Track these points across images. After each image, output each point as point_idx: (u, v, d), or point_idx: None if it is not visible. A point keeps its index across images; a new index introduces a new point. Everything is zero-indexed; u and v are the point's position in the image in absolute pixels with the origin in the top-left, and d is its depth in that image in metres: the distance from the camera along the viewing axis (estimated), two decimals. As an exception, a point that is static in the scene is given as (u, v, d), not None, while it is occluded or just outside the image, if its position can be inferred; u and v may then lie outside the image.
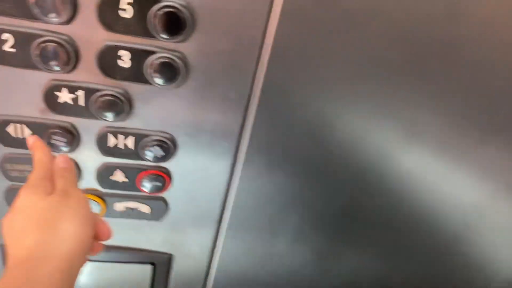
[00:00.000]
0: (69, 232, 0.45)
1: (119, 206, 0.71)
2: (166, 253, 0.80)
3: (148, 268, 0.81)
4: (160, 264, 0.81)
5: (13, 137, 0.60)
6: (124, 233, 0.75)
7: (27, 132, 0.60)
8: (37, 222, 0.45)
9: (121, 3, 0.50)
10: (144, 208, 0.72)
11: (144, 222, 0.73)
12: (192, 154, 0.65)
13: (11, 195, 0.67)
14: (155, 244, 0.78)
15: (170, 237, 0.77)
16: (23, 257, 0.43)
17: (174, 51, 0.55)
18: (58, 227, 0.45)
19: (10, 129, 0.60)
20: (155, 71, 0.56)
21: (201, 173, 0.68)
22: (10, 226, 0.46)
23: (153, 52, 0.55)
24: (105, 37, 0.53)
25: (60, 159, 0.53)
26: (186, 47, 0.55)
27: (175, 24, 0.52)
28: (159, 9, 0.51)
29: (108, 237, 0.52)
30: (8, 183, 0.66)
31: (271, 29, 0.54)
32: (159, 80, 0.56)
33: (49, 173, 0.51)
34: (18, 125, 0.60)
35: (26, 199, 0.47)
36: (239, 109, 0.61)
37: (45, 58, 0.53)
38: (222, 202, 0.72)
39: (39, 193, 0.47)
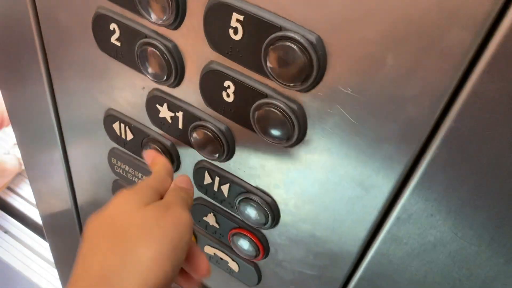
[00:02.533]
0: (146, 258, 0.34)
1: (209, 249, 0.59)
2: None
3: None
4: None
5: (117, 135, 0.54)
6: (217, 278, 0.63)
7: (129, 134, 0.52)
8: (115, 238, 0.36)
9: (232, 19, 0.35)
10: (233, 265, 0.58)
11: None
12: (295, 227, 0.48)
13: (115, 188, 0.62)
14: None
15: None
16: (91, 279, 0.34)
17: (292, 100, 0.38)
18: (135, 251, 0.35)
19: (115, 125, 0.53)
20: (260, 120, 0.39)
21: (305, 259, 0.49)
22: (93, 233, 0.37)
23: (263, 95, 0.39)
24: (211, 57, 0.40)
25: (181, 178, 0.45)
26: (308, 98, 0.37)
27: (295, 66, 0.34)
28: (273, 41, 0.34)
29: (203, 273, 0.41)
30: (114, 176, 0.61)
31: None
32: (264, 131, 0.40)
33: (160, 186, 0.42)
34: (122, 125, 0.52)
35: (118, 205, 0.38)
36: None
37: (145, 63, 0.43)
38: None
39: (136, 201, 0.38)
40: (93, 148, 0.59)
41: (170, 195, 0.42)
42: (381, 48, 0.31)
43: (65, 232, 0.82)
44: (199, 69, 0.41)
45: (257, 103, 0.39)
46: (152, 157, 0.47)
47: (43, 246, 1.79)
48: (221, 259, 0.58)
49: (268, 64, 0.35)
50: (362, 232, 0.42)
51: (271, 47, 0.34)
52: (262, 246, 0.51)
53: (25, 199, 1.89)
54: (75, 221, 0.76)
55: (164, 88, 0.45)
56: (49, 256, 1.73)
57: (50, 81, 0.54)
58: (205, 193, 0.52)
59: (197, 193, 0.53)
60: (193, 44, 0.40)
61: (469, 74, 0.29)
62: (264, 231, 0.51)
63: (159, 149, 0.50)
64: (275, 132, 0.39)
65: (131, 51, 0.43)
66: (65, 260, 0.93)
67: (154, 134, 0.50)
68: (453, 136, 0.32)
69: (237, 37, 0.36)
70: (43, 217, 0.85)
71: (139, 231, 0.36)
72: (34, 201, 1.75)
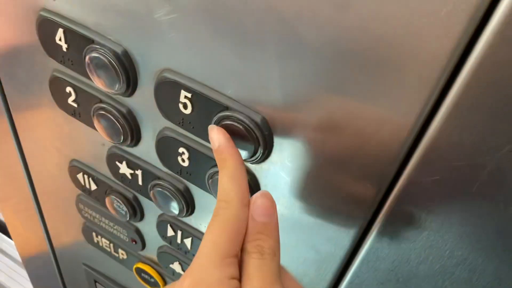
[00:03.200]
0: None
1: (178, 292, 0.59)
2: None
3: None
4: None
5: (82, 184, 0.54)
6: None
7: (93, 185, 0.52)
8: None
9: (181, 96, 0.35)
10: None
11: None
12: None
13: (85, 230, 0.62)
14: None
15: None
16: None
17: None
18: None
19: (79, 176, 0.53)
20: (215, 186, 0.40)
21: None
22: None
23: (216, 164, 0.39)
24: (165, 124, 0.40)
25: (257, 205, 0.30)
26: (259, 169, 0.37)
27: (243, 143, 0.34)
28: (221, 120, 0.34)
29: None
30: (82, 220, 0.61)
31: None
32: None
33: (238, 243, 0.29)
34: (86, 176, 0.52)
35: None
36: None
37: (102, 125, 0.43)
38: None
39: None
40: (62, 193, 0.59)
41: (252, 266, 0.28)
42: (321, 134, 0.31)
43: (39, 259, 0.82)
44: (154, 133, 0.41)
45: (211, 170, 0.39)
46: (219, 143, 0.32)
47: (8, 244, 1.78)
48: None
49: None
50: (320, 290, 0.43)
51: (219, 124, 0.34)
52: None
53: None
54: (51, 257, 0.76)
55: (123, 146, 0.45)
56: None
57: (15, 131, 0.54)
58: (170, 244, 0.52)
59: (162, 242, 0.53)
60: (147, 111, 0.40)
61: (405, 167, 0.29)
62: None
63: (127, 197, 0.50)
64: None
65: (88, 112, 0.43)
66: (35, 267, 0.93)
67: (117, 186, 0.50)
68: (396, 214, 0.33)
69: (187, 111, 0.36)
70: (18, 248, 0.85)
71: None
72: None
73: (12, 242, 1.75)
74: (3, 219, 1.59)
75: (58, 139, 0.51)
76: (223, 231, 0.29)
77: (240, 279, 0.28)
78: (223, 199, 0.30)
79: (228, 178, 0.30)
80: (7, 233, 1.82)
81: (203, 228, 0.47)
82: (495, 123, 0.25)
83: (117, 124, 0.41)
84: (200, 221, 0.47)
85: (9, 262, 1.80)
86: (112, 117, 0.41)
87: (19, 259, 1.78)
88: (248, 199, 0.30)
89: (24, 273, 1.74)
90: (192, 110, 0.36)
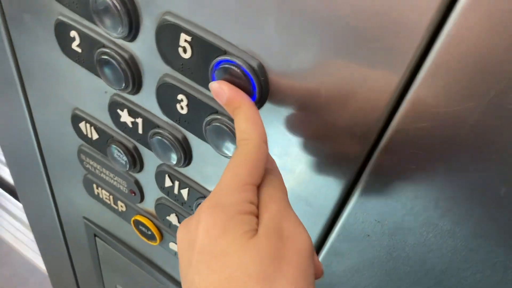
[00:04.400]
0: None
1: (174, 246, 0.61)
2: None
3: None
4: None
5: (84, 134, 0.55)
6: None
7: (95, 134, 0.54)
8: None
9: (180, 39, 0.36)
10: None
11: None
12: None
13: (86, 183, 0.64)
14: None
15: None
16: None
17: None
18: None
19: (81, 125, 0.54)
20: (211, 133, 0.40)
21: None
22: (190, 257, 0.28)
23: (214, 111, 0.40)
24: (165, 70, 0.40)
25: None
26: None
27: (238, 85, 0.35)
28: (219, 64, 0.35)
29: (319, 275, 0.34)
30: (84, 171, 0.62)
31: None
32: (215, 144, 0.41)
33: (256, 176, 0.30)
34: (88, 124, 0.53)
35: (210, 240, 0.27)
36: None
37: (104, 71, 0.43)
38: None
39: (234, 234, 0.27)
40: (64, 143, 0.61)
41: (267, 204, 0.29)
42: (316, 79, 0.32)
43: (38, 197, 0.84)
44: (155, 80, 0.42)
45: (208, 117, 0.40)
46: (228, 93, 0.33)
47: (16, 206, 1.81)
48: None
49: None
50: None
51: (217, 69, 0.35)
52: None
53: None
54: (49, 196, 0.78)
55: (125, 94, 0.46)
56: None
57: (21, 78, 0.55)
58: (167, 195, 0.53)
59: (160, 194, 0.54)
60: (148, 57, 0.41)
61: (395, 112, 0.30)
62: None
63: (128, 146, 0.51)
64: (224, 146, 0.40)
65: (91, 58, 0.44)
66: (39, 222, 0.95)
67: (118, 136, 0.51)
68: (384, 165, 0.33)
69: (187, 55, 0.37)
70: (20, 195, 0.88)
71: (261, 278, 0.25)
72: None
73: (20, 204, 1.79)
74: (11, 181, 1.63)
75: (62, 87, 0.52)
76: (243, 162, 0.30)
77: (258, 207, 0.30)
78: (243, 137, 0.31)
79: (246, 119, 0.32)
80: (15, 196, 1.86)
81: (199, 179, 0.48)
82: (478, 73, 0.25)
83: (119, 69, 0.42)
84: (196, 172, 0.48)
85: (16, 224, 1.84)
86: (114, 62, 0.42)
87: (27, 221, 1.83)
88: (266, 137, 0.32)
89: (31, 235, 1.78)
90: (192, 55, 0.36)
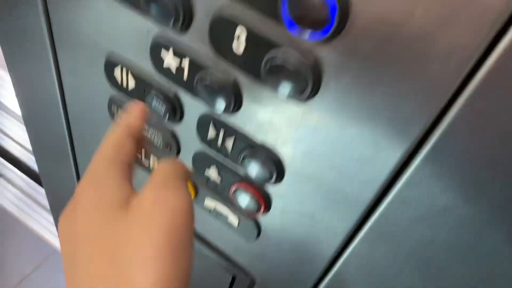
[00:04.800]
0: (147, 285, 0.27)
1: (209, 203, 0.58)
2: (249, 274, 0.65)
3: (228, 277, 0.68)
4: (240, 282, 0.67)
5: (119, 82, 0.51)
6: (216, 230, 0.63)
7: (131, 82, 0.50)
8: (104, 259, 0.28)
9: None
10: (233, 219, 0.57)
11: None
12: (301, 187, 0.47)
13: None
14: (242, 257, 0.64)
15: (257, 261, 0.62)
16: None
17: (308, 52, 0.35)
18: (131, 279, 0.27)
19: (117, 71, 0.50)
20: (272, 72, 0.37)
21: (308, 217, 0.49)
22: (72, 241, 0.30)
23: (277, 45, 0.36)
24: (223, 1, 0.37)
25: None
26: (325, 51, 0.35)
27: (319, 15, 0.32)
28: (294, -15, 0.31)
29: None
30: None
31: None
32: (275, 84, 0.38)
33: (123, 153, 0.34)
34: (124, 70, 0.50)
35: (89, 213, 0.30)
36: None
37: (150, 4, 0.40)
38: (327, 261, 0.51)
39: (108, 208, 0.30)
40: (92, 94, 0.57)
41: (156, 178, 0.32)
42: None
43: (62, 179, 0.81)
44: (208, 13, 0.38)
45: (270, 53, 0.37)
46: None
47: (38, 192, 1.80)
48: (221, 213, 0.57)
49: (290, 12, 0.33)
50: (369, 193, 0.41)
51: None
52: (264, 202, 0.51)
53: (17, 143, 1.88)
54: (72, 168, 0.75)
55: (170, 33, 0.43)
56: (45, 202, 1.75)
57: (48, 20, 0.52)
58: (209, 146, 0.50)
59: (199, 146, 0.51)
60: (203, -14, 0.37)
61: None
62: (267, 187, 0.50)
63: (168, 95, 0.48)
64: (286, 86, 0.37)
65: (136, -8, 0.40)
66: (61, 206, 0.93)
67: (157, 83, 0.48)
68: (477, 99, 0.31)
69: (253, -20, 0.33)
70: (39, 163, 0.84)
71: (131, 252, 0.28)
72: (28, 146, 1.75)
73: (43, 191, 1.77)
74: (36, 168, 1.60)
75: (95, 30, 0.48)
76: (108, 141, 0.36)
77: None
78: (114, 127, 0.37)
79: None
80: (39, 182, 1.83)
81: (248, 128, 0.45)
82: None
83: (169, 2, 0.38)
84: (245, 119, 0.45)
85: (42, 212, 1.81)
86: (163, -7, 0.38)
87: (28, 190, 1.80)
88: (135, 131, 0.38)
89: (37, 207, 1.77)
90: (259, -21, 0.33)
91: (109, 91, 0.54)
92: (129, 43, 0.47)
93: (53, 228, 1.74)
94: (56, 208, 0.98)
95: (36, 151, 0.81)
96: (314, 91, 0.37)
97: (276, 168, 0.45)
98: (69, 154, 0.72)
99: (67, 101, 0.62)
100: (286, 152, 0.44)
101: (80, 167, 0.74)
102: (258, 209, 0.52)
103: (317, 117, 0.39)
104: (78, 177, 0.77)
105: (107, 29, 0.47)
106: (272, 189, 0.49)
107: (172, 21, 0.40)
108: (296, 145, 0.43)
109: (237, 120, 0.46)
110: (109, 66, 0.50)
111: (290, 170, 0.46)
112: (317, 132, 0.40)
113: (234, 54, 0.39)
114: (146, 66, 0.47)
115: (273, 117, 0.42)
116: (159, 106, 0.49)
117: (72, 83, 0.59)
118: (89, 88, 0.57)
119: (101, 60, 0.51)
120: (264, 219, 0.54)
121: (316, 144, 0.41)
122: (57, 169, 0.80)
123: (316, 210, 0.47)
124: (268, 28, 0.36)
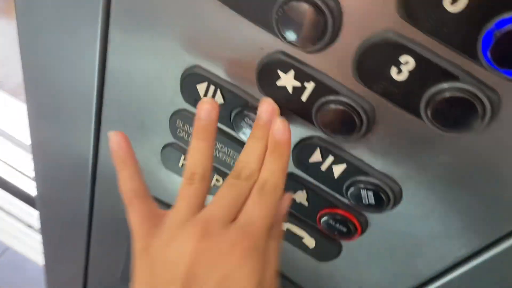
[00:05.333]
0: None
1: (284, 224, 0.53)
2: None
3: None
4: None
5: (199, 94, 0.44)
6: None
7: (220, 98, 0.43)
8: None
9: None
10: (309, 241, 0.53)
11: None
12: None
13: (167, 152, 0.53)
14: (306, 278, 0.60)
15: (321, 280, 0.58)
16: None
17: (489, 87, 0.31)
18: None
19: (201, 86, 0.43)
20: (440, 106, 0.33)
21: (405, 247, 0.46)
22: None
23: (453, 77, 0.32)
24: (389, 23, 0.31)
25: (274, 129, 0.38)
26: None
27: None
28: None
29: None
30: (169, 139, 0.51)
31: None
32: (443, 123, 0.33)
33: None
34: (212, 86, 0.42)
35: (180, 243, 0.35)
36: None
37: (287, 19, 0.33)
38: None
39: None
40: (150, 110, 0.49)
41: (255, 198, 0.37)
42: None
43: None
44: (362, 35, 0.33)
45: (442, 85, 0.32)
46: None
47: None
48: (295, 235, 0.53)
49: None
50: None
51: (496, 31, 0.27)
52: (361, 227, 0.47)
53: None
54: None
55: (293, 51, 0.36)
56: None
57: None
58: (305, 171, 0.45)
59: (291, 168, 0.46)
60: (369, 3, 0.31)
61: None
62: (368, 214, 0.46)
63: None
64: (455, 122, 0.33)
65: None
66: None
67: (255, 102, 0.41)
68: None
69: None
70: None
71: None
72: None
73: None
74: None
75: (187, 38, 0.40)
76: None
77: None
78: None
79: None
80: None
81: (366, 156, 0.41)
82: None
83: (316, 16, 0.32)
84: (361, 152, 0.40)
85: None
86: (312, 7, 0.32)
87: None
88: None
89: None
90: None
91: (175, 105, 0.46)
92: (230, 59, 0.40)
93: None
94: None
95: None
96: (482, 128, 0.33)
97: (392, 199, 0.42)
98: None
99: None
100: (409, 186, 0.41)
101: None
102: (349, 235, 0.48)
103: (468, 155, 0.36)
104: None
105: (206, 38, 0.39)
106: (373, 218, 0.46)
107: (312, 40, 0.34)
108: (422, 181, 0.39)
109: (354, 147, 0.41)
110: (190, 80, 0.43)
111: (406, 203, 0.42)
112: (456, 171, 0.37)
113: (388, 83, 0.34)
114: (241, 83, 0.41)
115: (407, 149, 0.38)
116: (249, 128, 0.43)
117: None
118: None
119: (178, 70, 0.43)
120: (348, 246, 0.51)
121: (448, 183, 0.38)
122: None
123: (420, 236, 0.45)
124: (443, 58, 0.31)
